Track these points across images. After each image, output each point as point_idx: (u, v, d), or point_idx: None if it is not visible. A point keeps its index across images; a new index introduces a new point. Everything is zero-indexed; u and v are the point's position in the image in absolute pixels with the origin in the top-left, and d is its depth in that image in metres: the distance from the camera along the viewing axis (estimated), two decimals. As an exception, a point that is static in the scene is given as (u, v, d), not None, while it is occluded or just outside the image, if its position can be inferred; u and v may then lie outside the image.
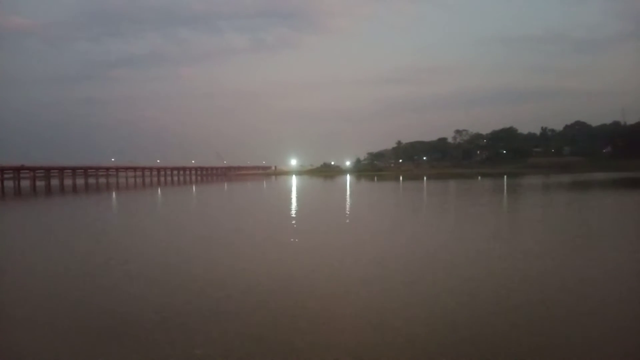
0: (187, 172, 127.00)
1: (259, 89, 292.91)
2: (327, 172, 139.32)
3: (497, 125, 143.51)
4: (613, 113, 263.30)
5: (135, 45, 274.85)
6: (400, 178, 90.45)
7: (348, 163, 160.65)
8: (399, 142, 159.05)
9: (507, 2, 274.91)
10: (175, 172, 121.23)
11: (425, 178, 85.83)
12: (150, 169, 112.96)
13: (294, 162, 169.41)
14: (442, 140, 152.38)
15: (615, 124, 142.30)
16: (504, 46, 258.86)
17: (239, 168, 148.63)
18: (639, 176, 64.08)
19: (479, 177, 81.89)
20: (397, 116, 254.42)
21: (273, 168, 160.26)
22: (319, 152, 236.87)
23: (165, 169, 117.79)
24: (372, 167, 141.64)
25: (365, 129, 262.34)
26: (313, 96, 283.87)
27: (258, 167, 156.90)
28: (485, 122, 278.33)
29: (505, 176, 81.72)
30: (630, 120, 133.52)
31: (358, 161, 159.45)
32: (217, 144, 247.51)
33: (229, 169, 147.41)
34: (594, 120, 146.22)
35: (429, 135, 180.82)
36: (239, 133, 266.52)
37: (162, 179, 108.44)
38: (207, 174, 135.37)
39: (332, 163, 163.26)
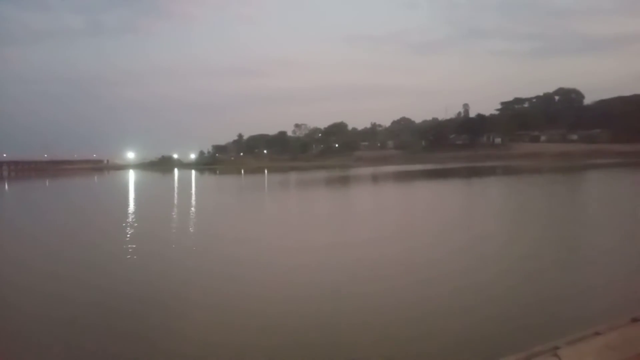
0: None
1: (95, 75, 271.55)
2: (165, 166, 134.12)
3: (339, 120, 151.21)
4: (444, 109, 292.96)
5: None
6: (242, 172, 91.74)
7: (193, 156, 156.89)
8: (240, 135, 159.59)
9: (351, 2, 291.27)
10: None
11: (266, 171, 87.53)
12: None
13: (131, 155, 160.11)
14: (283, 134, 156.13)
15: (434, 120, 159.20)
16: (348, 44, 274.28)
17: (64, 162, 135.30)
18: (429, 168, 72.51)
19: (289, 171, 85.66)
20: (245, 108, 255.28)
21: (105, 162, 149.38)
22: (161, 145, 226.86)
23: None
24: (214, 161, 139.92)
25: (213, 121, 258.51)
26: (157, 85, 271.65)
27: (88, 161, 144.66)
28: (328, 116, 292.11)
29: (336, 169, 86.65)
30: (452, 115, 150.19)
31: (202, 154, 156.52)
32: (45, 135, 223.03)
33: (52, 163, 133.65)
34: (422, 116, 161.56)
35: (276, 128, 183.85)
36: (72, 123, 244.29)
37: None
38: (22, 169, 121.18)
39: (175, 156, 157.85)
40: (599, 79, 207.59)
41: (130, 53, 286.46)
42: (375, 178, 57.73)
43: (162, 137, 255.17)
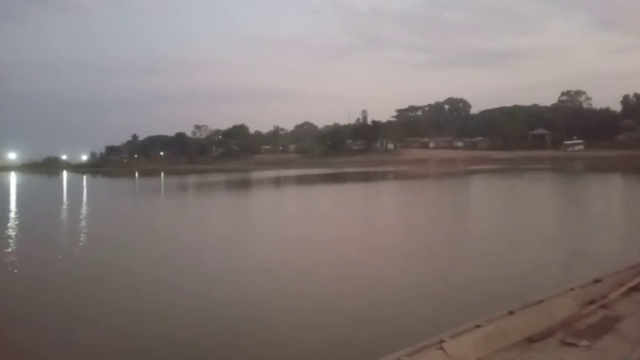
0: None
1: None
2: (51, 167, 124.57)
3: (241, 123, 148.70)
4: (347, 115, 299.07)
5: None
6: (136, 175, 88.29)
7: (85, 157, 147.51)
8: (134, 136, 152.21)
9: (257, 3, 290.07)
10: None
11: (162, 175, 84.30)
12: None
13: (12, 155, 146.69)
14: (181, 135, 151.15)
15: (336, 125, 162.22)
16: (253, 46, 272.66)
17: None
18: (323, 172, 73.78)
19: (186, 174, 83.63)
20: (143, 108, 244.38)
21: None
22: (51, 145, 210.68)
23: None
24: (105, 163, 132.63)
25: (108, 120, 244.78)
26: (45, 80, 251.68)
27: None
28: (232, 119, 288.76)
29: (234, 172, 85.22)
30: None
31: (93, 156, 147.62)
32: None
33: None
34: (326, 121, 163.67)
35: (176, 129, 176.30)
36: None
37: None
38: None
39: (64, 157, 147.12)
40: (485, 90, 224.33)
41: (11, 43, 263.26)
42: (266, 182, 57.69)
43: (51, 137, 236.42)
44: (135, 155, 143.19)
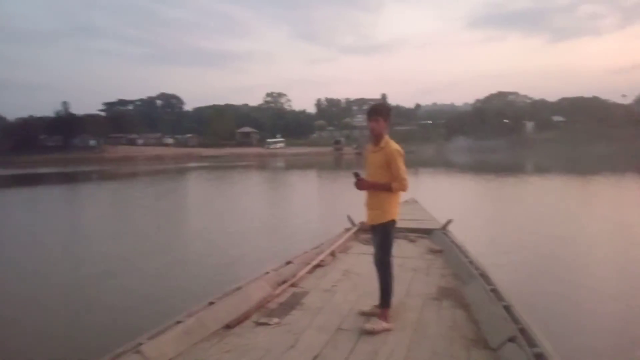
0: None
1: None
2: None
3: None
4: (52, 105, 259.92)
5: None
6: None
7: None
8: None
9: None
10: None
11: None
12: None
13: None
14: None
15: (30, 117, 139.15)
16: None
17: None
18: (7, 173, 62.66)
19: None
20: None
21: None
22: None
23: None
24: None
25: None
26: None
27: None
28: None
29: None
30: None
31: None
32: None
33: None
34: (19, 113, 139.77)
35: None
36: None
37: None
38: None
39: None
40: (200, 88, 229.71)
41: None
42: None
43: None
44: None
